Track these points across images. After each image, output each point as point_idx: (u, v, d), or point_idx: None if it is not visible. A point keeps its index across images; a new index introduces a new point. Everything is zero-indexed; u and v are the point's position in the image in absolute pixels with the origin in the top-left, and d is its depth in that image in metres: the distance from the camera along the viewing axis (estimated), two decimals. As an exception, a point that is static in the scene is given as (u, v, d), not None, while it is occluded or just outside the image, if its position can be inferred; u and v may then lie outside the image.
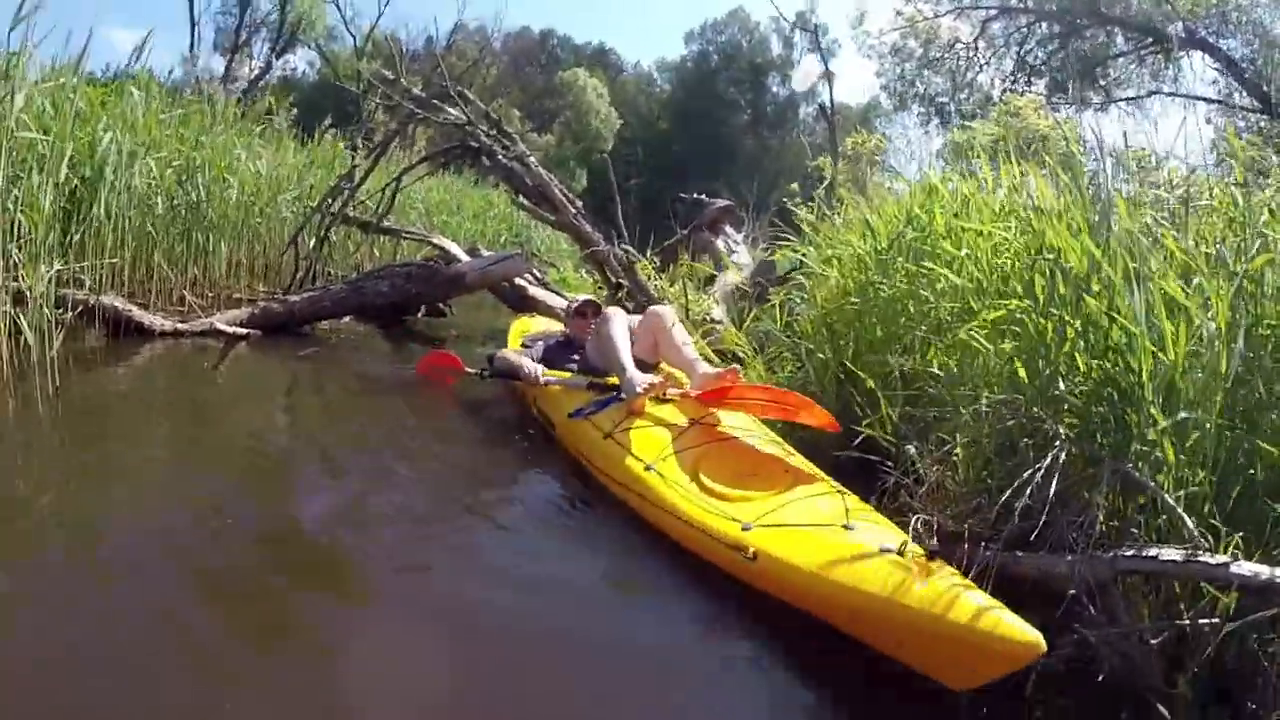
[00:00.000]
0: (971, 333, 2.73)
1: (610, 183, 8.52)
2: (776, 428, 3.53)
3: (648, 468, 3.01)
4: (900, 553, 2.11)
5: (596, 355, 4.13)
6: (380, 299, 7.27)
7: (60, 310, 5.00)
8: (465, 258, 8.12)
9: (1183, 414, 2.07)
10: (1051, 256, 2.53)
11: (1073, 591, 2.01)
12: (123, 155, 6.06)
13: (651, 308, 4.33)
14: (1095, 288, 2.39)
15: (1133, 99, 17.95)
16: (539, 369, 4.26)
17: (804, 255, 4.76)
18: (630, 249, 7.20)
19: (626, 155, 37.21)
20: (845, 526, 2.36)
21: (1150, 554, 1.98)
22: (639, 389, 3.51)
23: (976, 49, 20.47)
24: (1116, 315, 2.24)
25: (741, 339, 4.73)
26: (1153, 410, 2.10)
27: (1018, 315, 2.59)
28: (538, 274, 8.55)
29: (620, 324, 3.96)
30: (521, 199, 7.79)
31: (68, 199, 5.55)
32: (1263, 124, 14.50)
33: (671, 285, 6.61)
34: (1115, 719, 1.99)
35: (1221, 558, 1.88)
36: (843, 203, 4.69)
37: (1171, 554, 1.94)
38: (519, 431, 4.33)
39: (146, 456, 3.72)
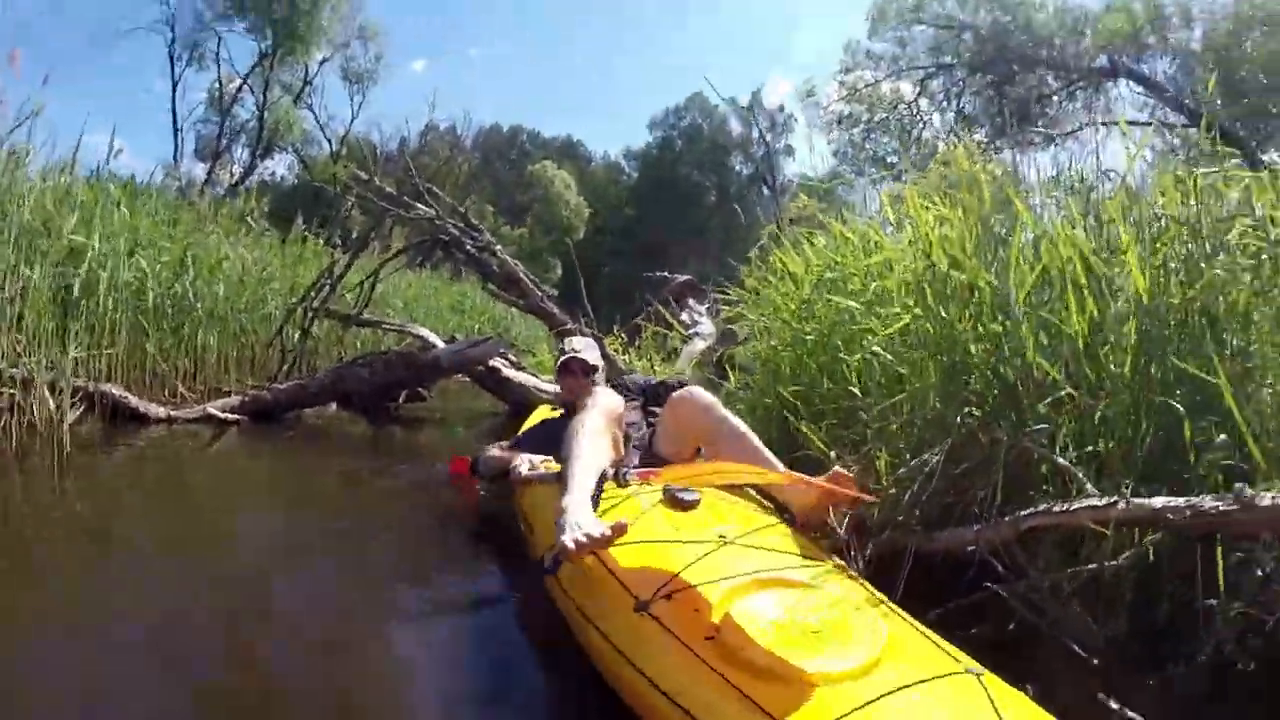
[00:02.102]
0: (873, 346, 3.06)
1: (583, 268, 8.93)
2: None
3: (640, 607, 1.80)
4: None
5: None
6: (362, 385, 7.57)
7: (62, 395, 5.33)
8: (441, 344, 8.45)
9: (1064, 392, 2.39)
10: (942, 270, 2.88)
11: (972, 549, 2.29)
12: (119, 253, 6.47)
13: (682, 390, 3.26)
14: (978, 296, 2.74)
15: (1069, 133, 18.93)
16: (526, 459, 3.36)
17: (745, 312, 5.14)
18: (594, 328, 7.57)
19: (598, 242, 38.06)
20: None
21: (1044, 508, 2.22)
22: (574, 539, 1.99)
23: (919, 107, 21.86)
24: (1001, 315, 2.58)
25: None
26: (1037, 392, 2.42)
27: (913, 325, 2.93)
28: (513, 359, 8.87)
29: (599, 418, 2.71)
30: (491, 286, 8.18)
31: (65, 291, 5.93)
32: (1190, 139, 15.30)
33: (639, 359, 6.97)
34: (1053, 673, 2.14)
35: (1109, 499, 2.10)
36: (776, 263, 5.09)
37: (1064, 505, 2.18)
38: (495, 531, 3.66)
39: (136, 534, 3.90)
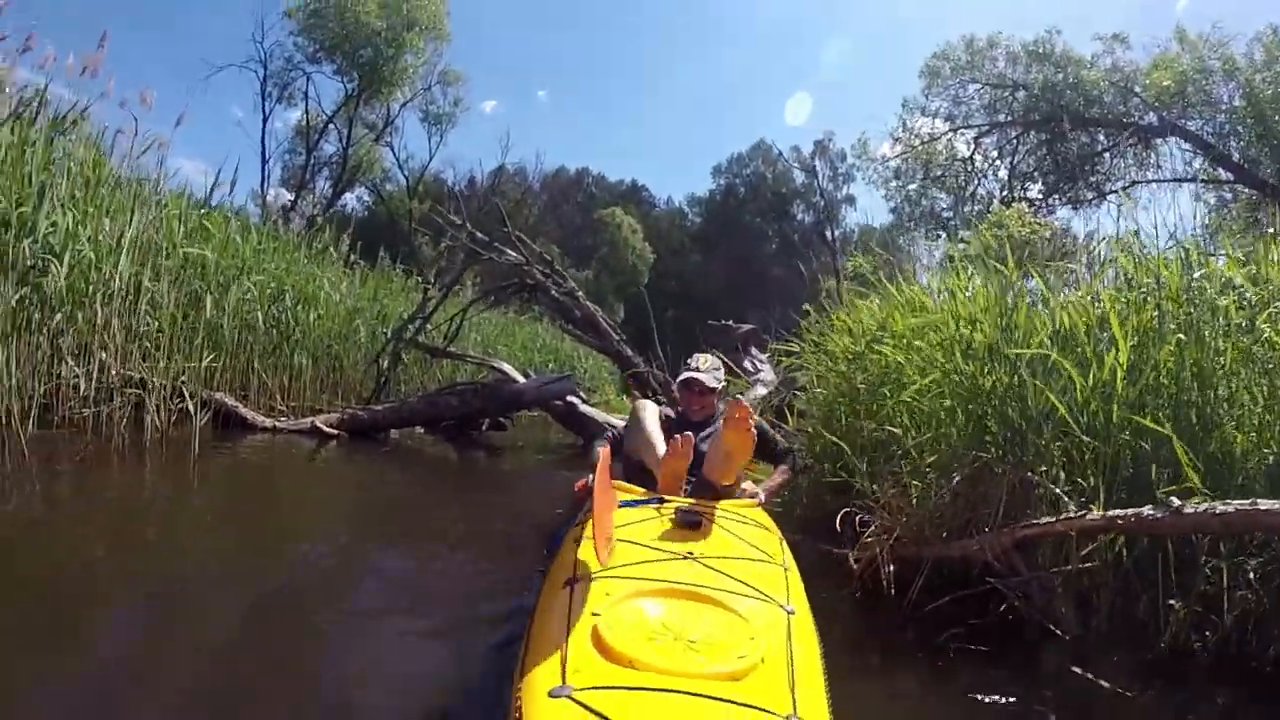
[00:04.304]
0: (911, 395, 3.76)
1: (646, 313, 9.69)
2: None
3: (569, 581, 2.19)
4: None
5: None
6: (451, 412, 8.39)
7: (178, 400, 6.15)
8: (521, 379, 9.23)
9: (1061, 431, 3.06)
10: (965, 334, 3.57)
11: (975, 551, 2.97)
12: (232, 275, 7.41)
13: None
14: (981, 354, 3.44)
15: (1120, 190, 19.09)
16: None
17: (805, 363, 5.79)
18: (665, 371, 8.27)
19: (661, 287, 38.81)
20: None
21: (1032, 522, 2.89)
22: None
23: (973, 163, 22.04)
24: (1018, 373, 3.26)
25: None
26: (1040, 433, 3.09)
27: (946, 378, 3.62)
28: (583, 395, 9.58)
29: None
30: (571, 327, 8.94)
31: (189, 306, 6.88)
32: (1241, 192, 15.51)
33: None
34: (1039, 659, 2.81)
35: (1080, 512, 2.77)
36: (833, 318, 5.68)
37: (1047, 518, 2.86)
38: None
39: (261, 523, 4.59)
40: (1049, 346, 3.30)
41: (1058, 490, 2.96)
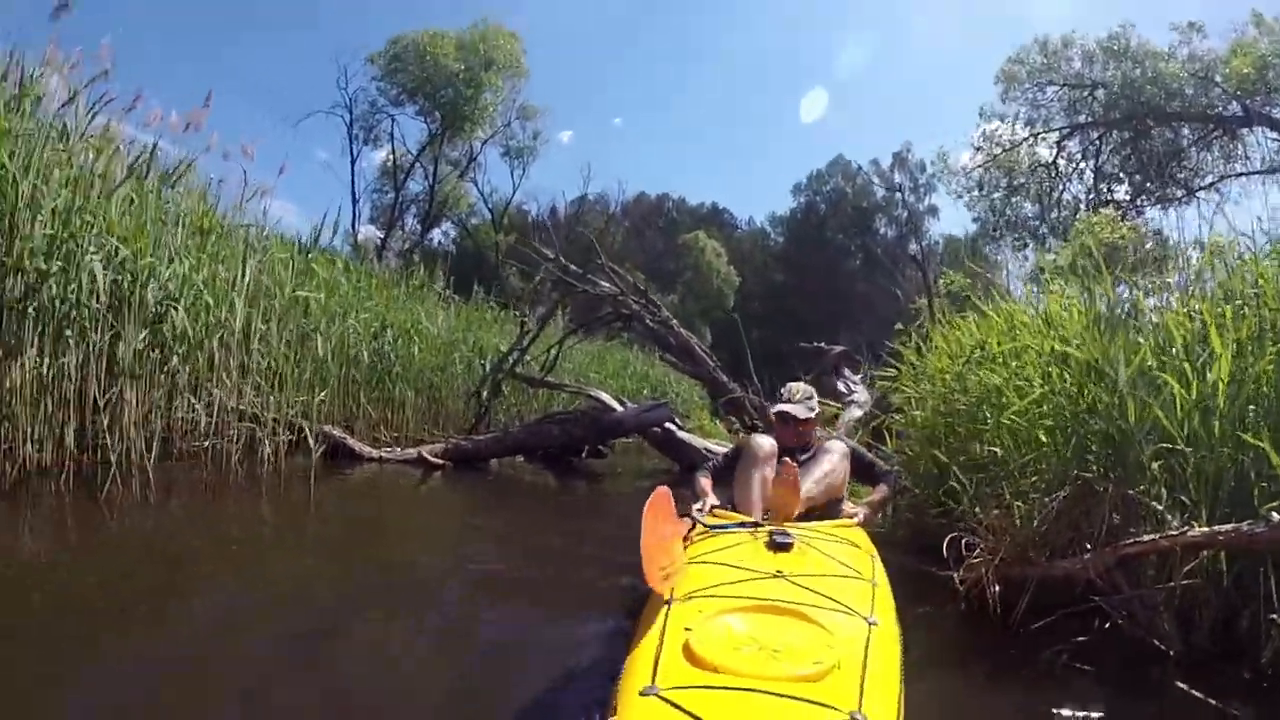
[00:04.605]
0: (1011, 416, 3.85)
1: (738, 337, 9.85)
2: None
3: (666, 602, 2.35)
4: None
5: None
6: (552, 440, 8.69)
7: (288, 433, 6.52)
8: (619, 407, 9.49)
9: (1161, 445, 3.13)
10: (1061, 352, 3.68)
11: (1079, 570, 3.07)
12: (336, 313, 7.83)
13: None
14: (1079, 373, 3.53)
15: (1208, 186, 18.68)
16: (707, 502, 3.67)
17: (902, 385, 5.87)
18: (760, 396, 8.42)
19: (746, 309, 38.82)
20: None
21: (1136, 539, 2.98)
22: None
23: (1057, 168, 21.50)
24: (1115, 390, 3.34)
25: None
26: (1141, 449, 3.17)
27: (1045, 399, 3.71)
28: (679, 422, 9.78)
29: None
30: (668, 355, 9.17)
31: (298, 344, 7.32)
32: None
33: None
34: (1143, 675, 2.89)
35: (1182, 529, 2.85)
36: (930, 340, 5.73)
37: (1149, 535, 2.94)
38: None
39: (378, 549, 4.91)
40: (1148, 361, 3.36)
41: (1159, 507, 3.03)
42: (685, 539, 3.09)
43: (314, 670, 2.84)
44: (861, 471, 4.24)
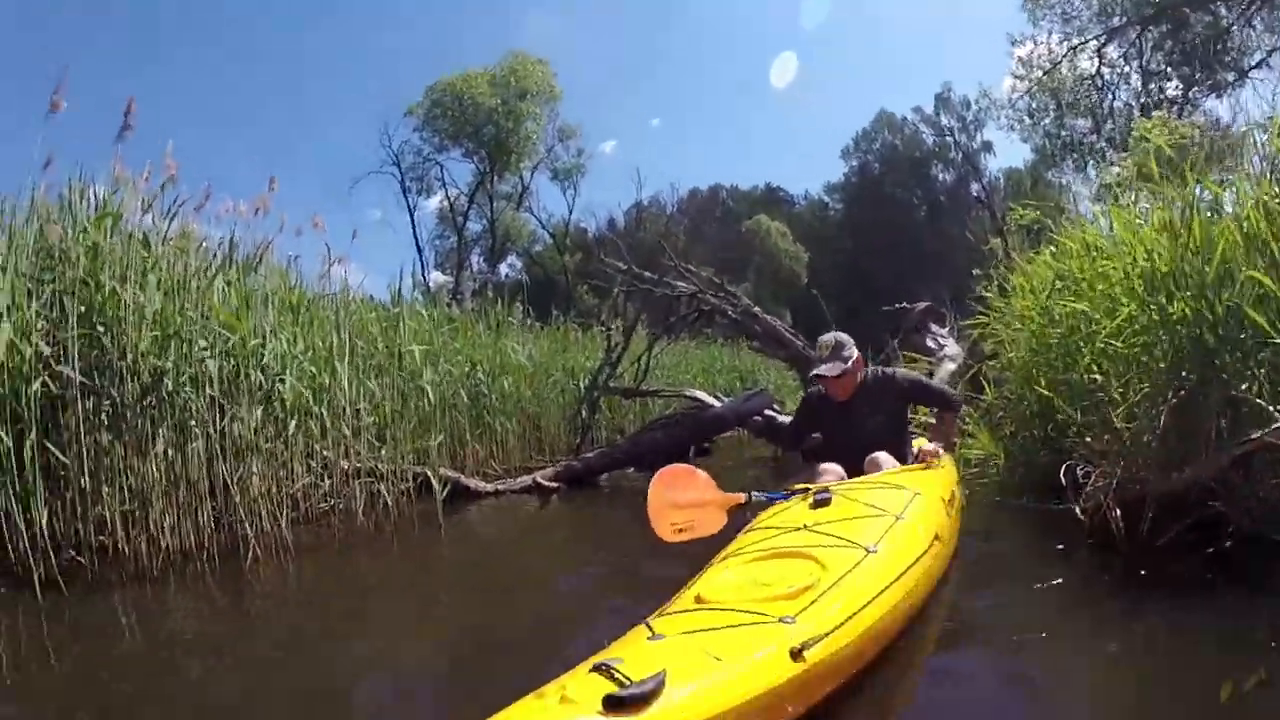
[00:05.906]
0: (1104, 340, 3.90)
1: (811, 312, 9.89)
2: None
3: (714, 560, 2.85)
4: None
5: None
6: (657, 446, 8.81)
7: (405, 482, 6.79)
8: (715, 403, 9.60)
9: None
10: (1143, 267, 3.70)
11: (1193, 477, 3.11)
12: (429, 361, 8.17)
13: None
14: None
15: (1258, 64, 18.14)
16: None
17: (992, 330, 5.92)
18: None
19: (819, 281, 38.50)
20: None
21: (1244, 438, 3.02)
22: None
23: (1102, 78, 21.01)
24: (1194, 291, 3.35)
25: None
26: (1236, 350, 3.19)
27: (1134, 317, 3.73)
28: (778, 408, 9.85)
29: None
30: (754, 344, 9.25)
31: (401, 398, 7.63)
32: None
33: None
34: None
35: None
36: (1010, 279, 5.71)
37: (1260, 432, 2.97)
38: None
39: (512, 579, 5.09)
40: (1230, 257, 3.34)
41: (1266, 405, 3.05)
42: (743, 507, 3.55)
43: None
44: (918, 395, 4.62)
